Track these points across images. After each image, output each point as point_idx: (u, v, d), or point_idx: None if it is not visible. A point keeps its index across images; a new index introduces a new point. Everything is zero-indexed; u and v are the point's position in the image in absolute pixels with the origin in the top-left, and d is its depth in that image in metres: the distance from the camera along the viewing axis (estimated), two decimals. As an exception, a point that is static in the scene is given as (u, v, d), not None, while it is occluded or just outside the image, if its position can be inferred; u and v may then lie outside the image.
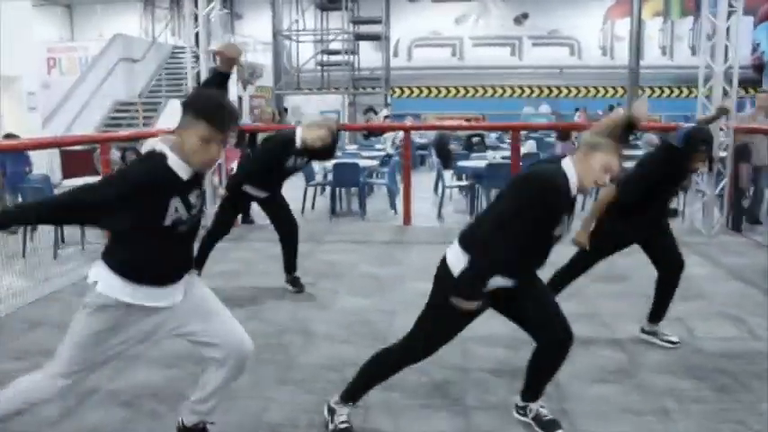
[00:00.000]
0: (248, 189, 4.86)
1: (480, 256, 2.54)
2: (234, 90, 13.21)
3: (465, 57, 26.50)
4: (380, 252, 6.38)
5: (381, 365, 2.85)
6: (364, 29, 21.15)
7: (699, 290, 4.93)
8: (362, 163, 9.22)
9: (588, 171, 2.53)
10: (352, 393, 2.85)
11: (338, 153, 11.76)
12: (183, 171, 2.28)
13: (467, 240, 2.64)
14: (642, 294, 4.21)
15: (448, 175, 11.09)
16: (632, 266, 5.13)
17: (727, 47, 6.86)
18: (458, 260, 2.63)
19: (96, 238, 7.52)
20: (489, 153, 10.22)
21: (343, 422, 2.82)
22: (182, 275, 2.42)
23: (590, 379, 3.43)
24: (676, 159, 3.67)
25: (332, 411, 2.86)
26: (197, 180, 2.35)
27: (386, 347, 2.91)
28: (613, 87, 23.65)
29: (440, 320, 2.74)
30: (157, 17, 22.73)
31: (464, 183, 9.27)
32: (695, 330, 4.11)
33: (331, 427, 2.83)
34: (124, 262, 2.29)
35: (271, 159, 4.84)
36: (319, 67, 20.97)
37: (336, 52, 20.48)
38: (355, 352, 3.78)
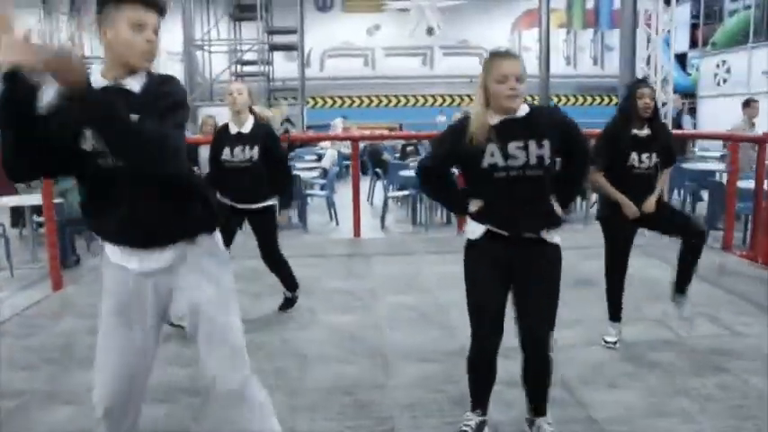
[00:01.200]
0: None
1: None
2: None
3: (377, 67, 26.70)
4: (340, 265, 6.22)
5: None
6: (278, 39, 20.88)
7: (668, 291, 5.08)
8: (302, 175, 9.04)
9: None
10: (545, 403, 2.80)
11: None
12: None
13: None
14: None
15: (379, 185, 11.07)
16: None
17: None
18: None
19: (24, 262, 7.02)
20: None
21: None
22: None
23: (605, 384, 3.44)
24: (624, 109, 3.86)
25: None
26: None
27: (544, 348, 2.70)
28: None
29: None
30: (59, 27, 21.57)
31: (406, 192, 9.24)
32: (679, 330, 4.23)
33: None
34: None
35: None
36: (233, 78, 20.50)
37: (252, 62, 20.08)
38: (358, 371, 3.66)
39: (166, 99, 1.93)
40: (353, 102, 25.00)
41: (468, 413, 2.81)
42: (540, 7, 20.21)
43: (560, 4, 23.47)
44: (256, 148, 4.30)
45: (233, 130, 4.40)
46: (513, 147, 2.52)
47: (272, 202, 4.52)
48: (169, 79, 2.02)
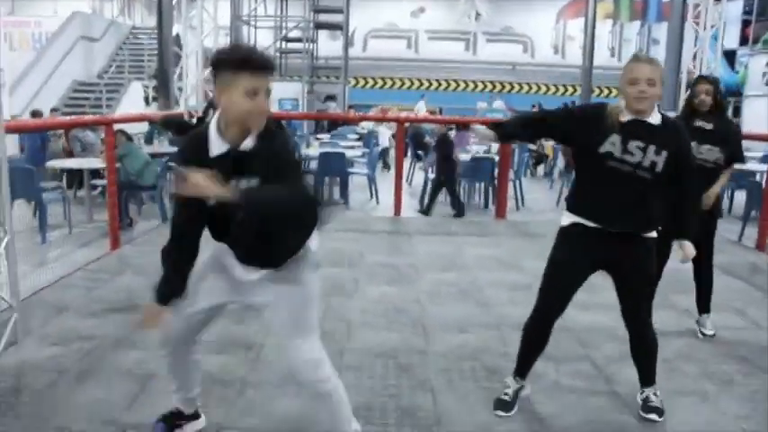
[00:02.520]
0: None
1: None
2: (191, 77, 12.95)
3: (420, 49, 26.75)
4: (382, 241, 6.49)
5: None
6: (323, 18, 21.08)
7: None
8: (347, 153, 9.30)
9: None
10: (651, 375, 3.07)
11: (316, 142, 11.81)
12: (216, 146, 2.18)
13: None
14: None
15: (418, 166, 11.28)
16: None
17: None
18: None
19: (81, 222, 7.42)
20: (473, 147, 10.42)
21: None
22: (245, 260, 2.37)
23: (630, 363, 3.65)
24: (686, 101, 4.08)
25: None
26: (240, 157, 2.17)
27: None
28: (564, 86, 24.33)
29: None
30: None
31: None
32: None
33: None
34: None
35: None
36: (278, 54, 20.78)
37: (296, 40, 20.33)
38: (400, 338, 3.92)
39: (278, 158, 2.19)
40: (395, 83, 25.12)
41: (508, 378, 3.08)
42: (588, -3, 20.02)
43: (609, -6, 23.24)
44: None
45: None
46: (633, 144, 2.72)
47: None
48: (276, 135, 2.24)
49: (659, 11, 21.15)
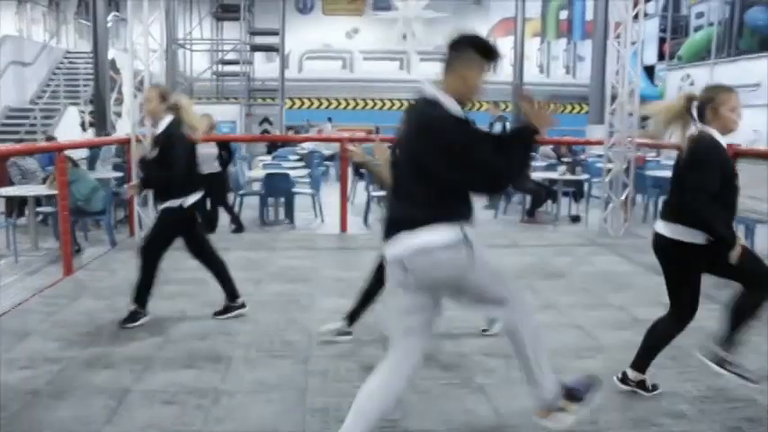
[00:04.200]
0: None
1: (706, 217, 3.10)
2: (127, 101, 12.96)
3: (355, 69, 27.14)
4: (333, 257, 6.71)
5: (659, 336, 3.40)
6: (259, 40, 21.25)
7: (628, 283, 5.68)
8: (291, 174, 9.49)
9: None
10: (640, 365, 3.44)
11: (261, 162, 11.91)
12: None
13: (672, 215, 3.24)
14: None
15: (360, 185, 11.55)
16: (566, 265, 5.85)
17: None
18: (676, 231, 3.19)
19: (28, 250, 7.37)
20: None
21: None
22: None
23: (573, 356, 3.99)
24: None
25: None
26: None
27: (658, 319, 3.41)
28: (496, 102, 25.10)
29: (694, 281, 3.26)
30: (34, 18, 21.60)
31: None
32: (639, 316, 4.79)
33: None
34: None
35: None
36: (214, 77, 20.81)
37: (233, 62, 20.43)
38: (360, 344, 4.17)
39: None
40: (331, 103, 25.40)
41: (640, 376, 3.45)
42: (516, 16, 20.90)
43: (535, 13, 24.25)
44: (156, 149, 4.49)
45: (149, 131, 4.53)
46: None
47: (171, 204, 4.49)
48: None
49: (583, 29, 22.22)
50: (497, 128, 11.98)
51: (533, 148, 2.70)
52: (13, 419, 3.13)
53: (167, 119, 4.51)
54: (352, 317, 4.23)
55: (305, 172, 10.45)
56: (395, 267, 2.58)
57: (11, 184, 8.78)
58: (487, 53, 2.58)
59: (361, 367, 3.77)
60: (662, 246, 3.30)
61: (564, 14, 24.18)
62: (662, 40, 20.44)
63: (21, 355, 3.97)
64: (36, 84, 15.68)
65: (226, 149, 8.26)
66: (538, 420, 2.83)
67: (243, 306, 4.76)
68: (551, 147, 12.12)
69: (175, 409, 3.24)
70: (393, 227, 2.59)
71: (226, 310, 4.72)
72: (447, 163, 2.46)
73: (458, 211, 2.55)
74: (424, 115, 2.59)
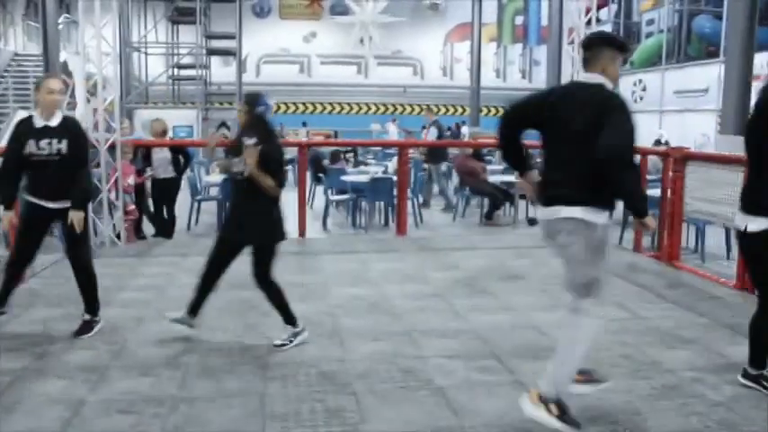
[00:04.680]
0: None
1: None
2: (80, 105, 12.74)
3: (313, 74, 27.12)
4: (291, 262, 6.66)
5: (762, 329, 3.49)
6: (216, 44, 21.09)
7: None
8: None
9: None
10: (757, 361, 3.50)
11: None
12: None
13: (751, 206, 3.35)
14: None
15: (319, 189, 11.56)
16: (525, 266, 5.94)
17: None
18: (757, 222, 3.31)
19: None
20: (371, 168, 10.79)
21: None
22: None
23: (530, 356, 4.05)
24: None
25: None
26: None
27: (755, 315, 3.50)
28: (453, 106, 25.38)
29: None
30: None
31: (346, 196, 9.76)
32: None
33: None
34: None
35: None
36: (170, 81, 20.57)
37: (189, 66, 20.23)
38: (319, 349, 4.17)
39: None
40: (289, 108, 25.31)
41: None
42: (473, 21, 21.13)
43: (492, 19, 24.55)
44: (65, 142, 4.13)
45: (38, 123, 4.19)
46: None
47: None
48: None
49: (539, 35, 22.58)
50: (432, 132, 12.10)
51: (634, 206, 3.25)
52: (-37, 433, 3.05)
53: (59, 112, 4.23)
54: (194, 309, 4.25)
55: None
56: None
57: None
58: (621, 47, 3.10)
59: (319, 373, 3.78)
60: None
61: (519, 20, 24.56)
62: (614, 46, 20.82)
63: (-30, 366, 3.86)
64: (-19, 87, 15.29)
65: (183, 154, 8.17)
66: (525, 396, 3.04)
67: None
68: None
69: (132, 419, 3.19)
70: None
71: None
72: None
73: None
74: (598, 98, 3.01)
